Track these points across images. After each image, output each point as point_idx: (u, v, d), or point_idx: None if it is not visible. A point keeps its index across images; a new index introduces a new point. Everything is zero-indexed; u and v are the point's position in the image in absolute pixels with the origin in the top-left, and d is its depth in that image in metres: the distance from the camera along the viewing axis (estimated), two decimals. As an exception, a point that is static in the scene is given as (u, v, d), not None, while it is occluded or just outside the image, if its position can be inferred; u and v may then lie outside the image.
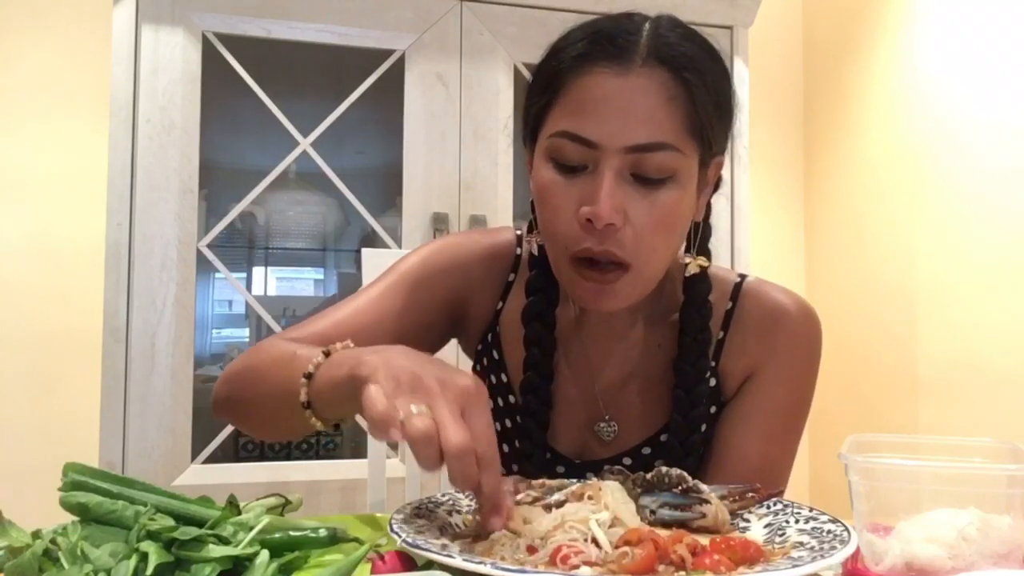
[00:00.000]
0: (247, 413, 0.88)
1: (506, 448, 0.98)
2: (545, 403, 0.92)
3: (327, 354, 0.73)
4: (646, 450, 0.94)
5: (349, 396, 0.67)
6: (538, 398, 0.92)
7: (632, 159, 0.79)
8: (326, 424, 0.74)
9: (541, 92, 0.85)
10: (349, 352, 0.72)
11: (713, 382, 0.94)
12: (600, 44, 0.81)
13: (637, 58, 0.80)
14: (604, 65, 0.80)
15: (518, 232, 1.01)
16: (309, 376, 0.73)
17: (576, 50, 0.82)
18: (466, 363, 1.06)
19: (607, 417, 0.95)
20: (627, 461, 0.94)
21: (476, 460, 0.62)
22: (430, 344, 0.99)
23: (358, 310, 0.93)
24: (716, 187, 0.92)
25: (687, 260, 0.91)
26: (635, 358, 0.95)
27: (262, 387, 0.83)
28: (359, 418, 0.70)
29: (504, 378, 0.98)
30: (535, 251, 0.92)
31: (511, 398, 0.98)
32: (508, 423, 0.98)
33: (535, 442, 0.93)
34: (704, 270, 0.92)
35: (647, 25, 0.83)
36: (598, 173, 0.80)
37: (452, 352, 1.08)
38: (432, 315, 0.97)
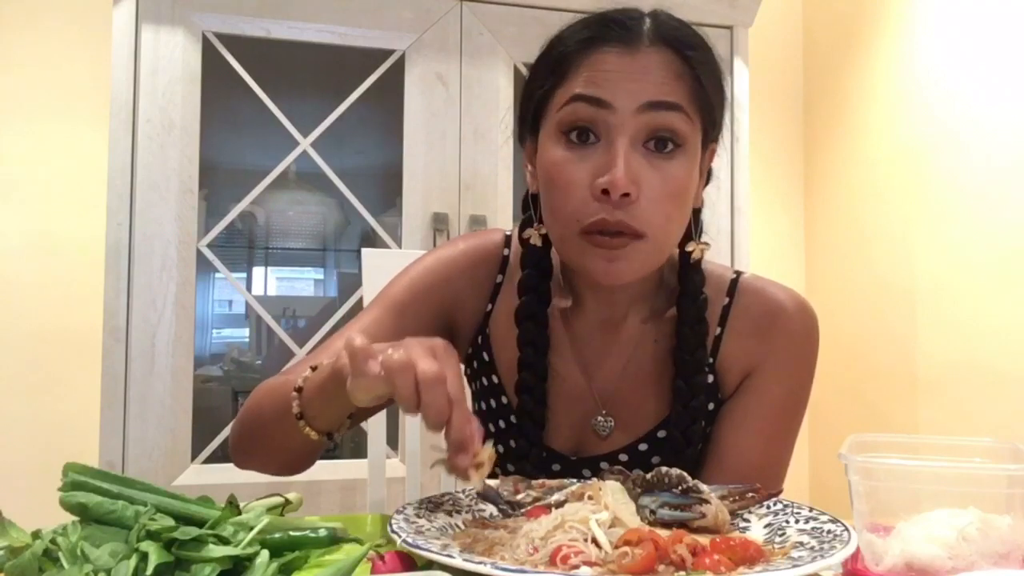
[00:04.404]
0: (256, 448, 0.92)
1: (501, 448, 0.98)
2: (541, 402, 0.93)
3: (314, 369, 0.79)
4: (643, 446, 0.94)
5: (334, 393, 0.72)
6: (534, 398, 0.92)
7: (645, 120, 0.81)
8: (319, 433, 0.79)
9: (547, 76, 0.87)
10: (330, 361, 0.76)
11: (711, 378, 0.94)
12: (607, 27, 0.84)
13: (644, 39, 0.84)
14: (612, 45, 0.83)
15: (508, 233, 1.02)
16: (299, 390, 0.78)
17: (582, 35, 0.85)
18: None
19: (604, 412, 0.95)
20: (623, 457, 0.94)
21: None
22: None
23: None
24: (708, 179, 0.93)
25: (690, 247, 0.91)
26: (630, 353, 0.96)
27: (262, 418, 0.88)
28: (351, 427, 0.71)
29: (496, 379, 0.98)
30: (538, 242, 0.92)
31: (503, 399, 0.98)
32: (502, 424, 0.98)
33: (532, 441, 0.93)
34: (698, 260, 0.92)
35: (647, 14, 0.87)
36: (612, 144, 0.81)
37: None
38: (424, 335, 0.98)
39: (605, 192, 0.80)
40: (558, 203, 0.85)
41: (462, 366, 1.05)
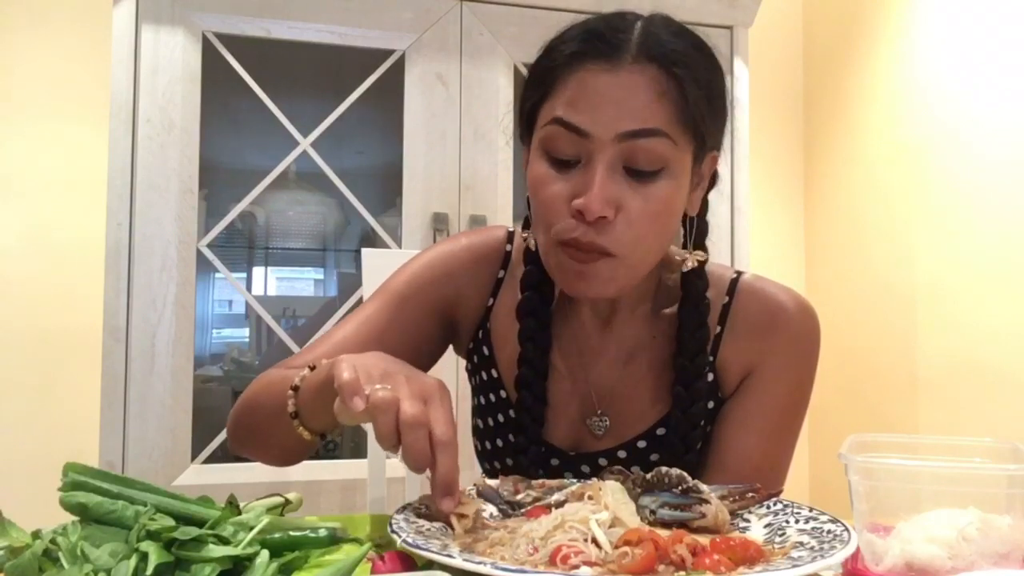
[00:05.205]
0: (252, 439, 0.93)
1: (500, 443, 0.99)
2: (540, 399, 0.93)
3: (312, 368, 0.78)
4: (641, 443, 0.94)
5: (327, 400, 0.71)
6: (533, 394, 0.93)
7: (625, 148, 0.81)
8: (312, 433, 0.79)
9: (535, 88, 0.87)
10: (329, 360, 0.76)
11: (711, 377, 0.94)
12: (592, 42, 0.83)
13: (627, 55, 0.82)
14: (595, 62, 0.82)
15: (511, 229, 1.03)
16: (296, 389, 0.78)
17: (569, 48, 0.84)
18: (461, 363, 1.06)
19: (599, 411, 0.95)
20: (622, 454, 0.94)
21: (432, 442, 0.65)
22: (426, 356, 1.01)
23: (351, 333, 0.96)
24: (712, 183, 0.93)
25: (685, 255, 0.91)
26: (629, 350, 0.96)
27: (259, 411, 0.89)
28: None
29: (495, 374, 0.99)
30: (532, 247, 0.93)
31: (503, 393, 0.98)
32: (501, 418, 0.99)
33: (530, 437, 0.94)
34: (702, 266, 0.92)
35: (639, 23, 0.85)
36: (591, 166, 0.81)
37: (451, 365, 1.08)
38: (424, 328, 0.99)
39: (582, 213, 0.81)
40: (539, 216, 0.87)
41: (463, 361, 1.06)
